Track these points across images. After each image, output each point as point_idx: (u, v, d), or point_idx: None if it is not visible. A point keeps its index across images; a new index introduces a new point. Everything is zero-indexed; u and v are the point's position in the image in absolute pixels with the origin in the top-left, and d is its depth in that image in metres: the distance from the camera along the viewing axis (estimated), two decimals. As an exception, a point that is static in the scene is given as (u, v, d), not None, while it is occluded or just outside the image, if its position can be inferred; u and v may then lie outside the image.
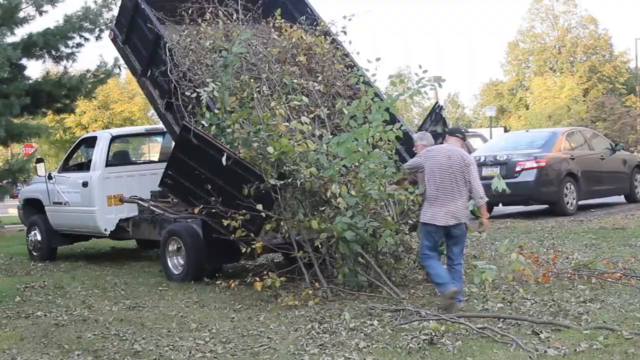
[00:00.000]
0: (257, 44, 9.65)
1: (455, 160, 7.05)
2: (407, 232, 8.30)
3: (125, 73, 22.51)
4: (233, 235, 7.84)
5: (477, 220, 7.22)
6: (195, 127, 8.29)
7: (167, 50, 9.25)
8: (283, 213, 7.82)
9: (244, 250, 7.88)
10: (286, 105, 8.52)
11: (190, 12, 9.88)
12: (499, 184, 7.44)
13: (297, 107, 8.83)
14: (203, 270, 9.01)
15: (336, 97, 9.45)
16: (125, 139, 12.84)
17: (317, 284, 7.78)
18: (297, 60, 9.56)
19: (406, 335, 6.03)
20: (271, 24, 10.20)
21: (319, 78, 9.59)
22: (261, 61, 9.31)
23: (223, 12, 9.89)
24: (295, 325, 6.61)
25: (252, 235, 7.77)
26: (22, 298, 8.61)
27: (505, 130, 37.28)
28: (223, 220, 7.87)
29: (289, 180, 7.72)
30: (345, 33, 10.05)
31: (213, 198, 8.02)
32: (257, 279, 7.71)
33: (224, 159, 7.79)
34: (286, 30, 10.06)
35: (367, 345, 5.84)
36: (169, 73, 9.17)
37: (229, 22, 9.85)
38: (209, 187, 8.07)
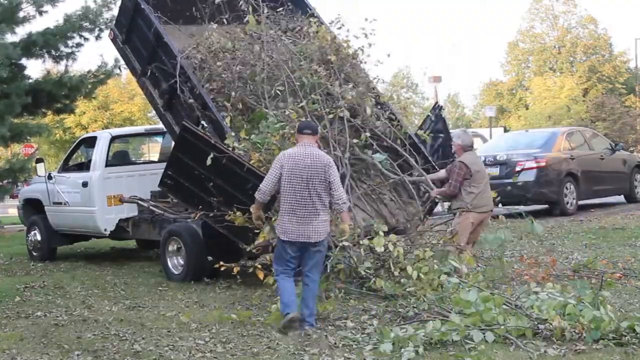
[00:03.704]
0: (285, 40, 9.43)
1: (313, 166, 6.26)
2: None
3: (125, 73, 22.50)
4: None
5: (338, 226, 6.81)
6: (195, 127, 8.29)
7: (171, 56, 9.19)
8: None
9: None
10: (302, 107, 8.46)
11: (200, 13, 9.74)
12: (536, 228, 8.07)
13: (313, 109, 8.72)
14: (203, 270, 9.01)
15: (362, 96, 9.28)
16: (125, 139, 12.82)
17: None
18: (328, 59, 9.21)
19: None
20: (301, 25, 9.91)
21: (340, 80, 9.28)
22: (284, 60, 9.05)
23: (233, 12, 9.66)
24: (295, 325, 6.60)
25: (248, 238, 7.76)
26: (22, 298, 8.61)
27: (505, 130, 37.22)
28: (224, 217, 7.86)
29: None
30: (366, 35, 9.40)
31: (213, 198, 8.02)
32: (259, 266, 7.61)
33: (209, 159, 7.77)
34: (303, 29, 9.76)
35: (367, 345, 5.84)
36: (179, 85, 9.07)
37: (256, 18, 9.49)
38: (209, 187, 8.07)
